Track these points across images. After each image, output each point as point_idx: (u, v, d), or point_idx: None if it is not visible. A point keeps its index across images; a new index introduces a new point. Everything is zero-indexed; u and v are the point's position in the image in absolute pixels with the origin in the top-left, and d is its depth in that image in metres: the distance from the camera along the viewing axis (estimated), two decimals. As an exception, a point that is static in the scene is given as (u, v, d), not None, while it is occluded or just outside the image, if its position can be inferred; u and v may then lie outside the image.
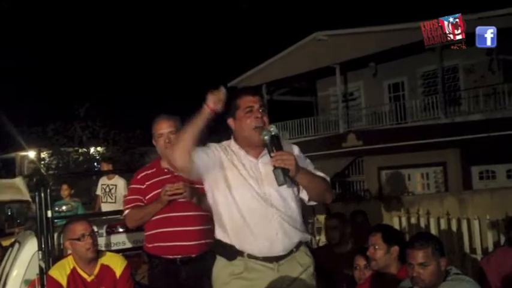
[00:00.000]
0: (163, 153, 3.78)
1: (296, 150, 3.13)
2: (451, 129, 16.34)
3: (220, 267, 3.05)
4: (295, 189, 3.06)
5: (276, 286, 2.94)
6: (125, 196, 8.79)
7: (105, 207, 8.00)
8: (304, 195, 3.07)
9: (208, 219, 3.51)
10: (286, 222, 2.97)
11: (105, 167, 9.10)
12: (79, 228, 3.78)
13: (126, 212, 3.82)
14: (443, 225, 6.92)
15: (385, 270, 3.64)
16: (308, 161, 3.16)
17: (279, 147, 2.88)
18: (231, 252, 3.00)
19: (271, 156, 2.85)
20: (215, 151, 3.04)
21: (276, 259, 2.96)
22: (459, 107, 17.66)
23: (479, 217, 6.65)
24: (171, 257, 3.62)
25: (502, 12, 14.76)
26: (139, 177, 3.86)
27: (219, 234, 3.08)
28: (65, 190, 8.19)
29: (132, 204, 3.78)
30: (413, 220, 7.29)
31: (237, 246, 2.98)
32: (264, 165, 3.00)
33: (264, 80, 22.30)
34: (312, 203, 3.12)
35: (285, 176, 2.81)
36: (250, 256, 2.96)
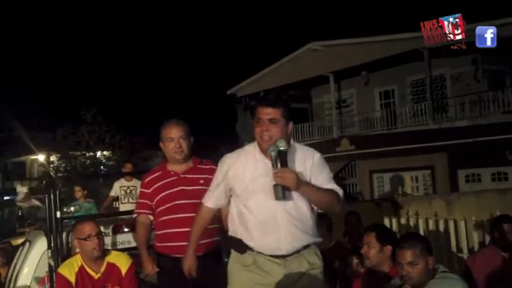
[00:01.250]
0: (172, 157, 3.77)
1: (316, 158, 3.08)
2: (438, 135, 16.36)
3: (233, 259, 3.11)
4: None
5: (282, 281, 2.95)
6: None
7: (126, 208, 7.81)
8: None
9: (214, 219, 3.53)
10: (295, 226, 2.96)
11: (128, 168, 9.02)
12: (87, 228, 3.82)
13: (136, 216, 3.87)
14: (431, 225, 6.91)
15: (378, 268, 3.63)
16: (327, 169, 3.10)
17: (284, 163, 2.86)
18: (242, 247, 3.03)
19: (274, 172, 2.84)
20: (224, 173, 3.10)
21: (284, 256, 2.97)
22: (446, 113, 17.69)
23: (465, 218, 6.64)
24: (178, 256, 3.61)
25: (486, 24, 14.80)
26: (146, 181, 3.86)
27: (232, 229, 3.12)
28: (78, 191, 8.15)
29: (142, 211, 3.82)
30: (403, 221, 7.27)
31: (247, 243, 3.01)
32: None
33: (261, 88, 22.32)
34: (320, 210, 3.12)
35: (284, 192, 2.82)
36: (259, 252, 2.98)
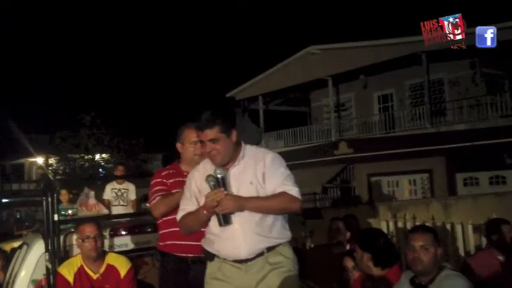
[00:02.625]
0: (190, 158, 3.76)
1: (268, 160, 3.07)
2: (436, 138, 16.38)
3: (206, 269, 3.19)
4: None
5: (243, 285, 3.01)
6: (135, 200, 8.68)
7: (117, 211, 7.92)
8: None
9: None
10: (253, 232, 3.00)
11: (120, 171, 9.01)
12: (86, 230, 3.90)
13: (156, 199, 3.74)
14: (432, 227, 6.92)
15: (369, 273, 3.66)
16: (282, 169, 3.08)
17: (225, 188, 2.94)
18: (210, 255, 3.14)
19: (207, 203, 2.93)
20: (191, 186, 3.18)
21: (245, 261, 3.02)
22: (444, 117, 17.74)
23: (462, 222, 6.65)
24: (182, 255, 3.64)
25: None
26: (163, 174, 3.84)
27: (203, 240, 3.23)
28: (63, 195, 8.07)
29: (160, 193, 3.73)
30: (400, 224, 7.28)
31: (213, 252, 3.11)
32: (232, 176, 3.05)
33: (260, 91, 22.39)
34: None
35: (225, 219, 2.94)
36: (224, 259, 3.07)
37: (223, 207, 2.89)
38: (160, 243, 3.80)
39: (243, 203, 2.93)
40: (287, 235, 3.14)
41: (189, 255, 3.63)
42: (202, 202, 3.02)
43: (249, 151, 3.13)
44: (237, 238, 2.99)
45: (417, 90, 19.10)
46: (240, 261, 3.01)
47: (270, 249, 3.04)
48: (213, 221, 3.05)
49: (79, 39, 57.24)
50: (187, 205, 3.16)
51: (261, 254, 3.01)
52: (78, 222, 4.23)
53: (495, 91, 16.84)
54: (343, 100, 21.92)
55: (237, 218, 2.99)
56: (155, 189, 3.79)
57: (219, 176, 2.93)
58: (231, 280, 3.03)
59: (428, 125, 17.31)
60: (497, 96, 16.47)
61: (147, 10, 59.69)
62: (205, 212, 2.95)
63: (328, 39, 20.56)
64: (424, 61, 17.05)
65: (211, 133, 3.00)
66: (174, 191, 3.70)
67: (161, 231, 3.81)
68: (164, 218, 3.74)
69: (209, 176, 2.95)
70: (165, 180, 3.79)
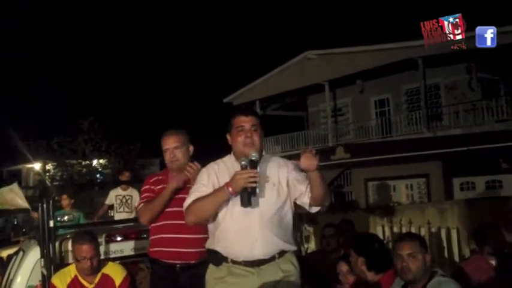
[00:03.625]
0: (169, 166, 3.81)
1: (290, 164, 3.14)
2: (433, 143, 16.40)
3: (209, 272, 3.13)
4: (287, 201, 3.10)
5: None
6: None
7: (121, 217, 7.83)
8: (306, 199, 3.07)
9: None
10: (268, 229, 2.99)
11: (126, 177, 8.97)
12: (83, 249, 3.82)
13: (140, 206, 3.79)
14: (424, 233, 6.95)
15: (363, 277, 3.68)
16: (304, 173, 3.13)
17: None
18: (217, 259, 3.07)
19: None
20: (211, 175, 3.13)
21: (257, 264, 2.98)
22: (441, 122, 17.77)
23: (457, 226, 6.69)
24: (170, 261, 3.63)
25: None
26: (152, 180, 3.87)
27: (209, 242, 3.17)
28: (64, 200, 8.07)
29: (145, 200, 3.77)
30: (396, 229, 7.32)
31: (222, 252, 3.05)
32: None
33: (257, 96, 22.41)
34: (314, 209, 3.12)
35: (249, 198, 2.88)
36: (233, 262, 3.01)
37: (309, 155, 2.86)
38: (150, 250, 3.81)
39: (316, 168, 2.91)
40: (295, 244, 3.17)
41: (177, 262, 3.63)
42: None
43: (271, 158, 3.21)
44: (254, 233, 2.97)
45: (413, 95, 19.15)
46: (253, 264, 2.98)
47: (281, 254, 3.03)
48: (226, 214, 3.02)
49: (77, 43, 57.31)
50: (202, 191, 3.07)
51: (272, 259, 3.01)
52: (74, 228, 4.24)
53: (491, 96, 16.89)
54: (340, 105, 21.95)
55: (257, 213, 2.97)
56: (142, 196, 3.84)
57: (253, 158, 2.93)
58: (242, 286, 2.98)
59: (425, 130, 17.35)
60: (493, 101, 16.51)
61: (144, 16, 59.75)
62: (230, 189, 2.88)
63: (325, 44, 20.63)
64: (420, 66, 17.10)
65: (254, 120, 3.11)
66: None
67: (151, 237, 3.81)
68: (154, 224, 3.75)
69: (243, 157, 2.96)
70: (152, 187, 3.81)
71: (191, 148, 3.86)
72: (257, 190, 2.92)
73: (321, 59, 20.04)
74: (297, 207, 3.18)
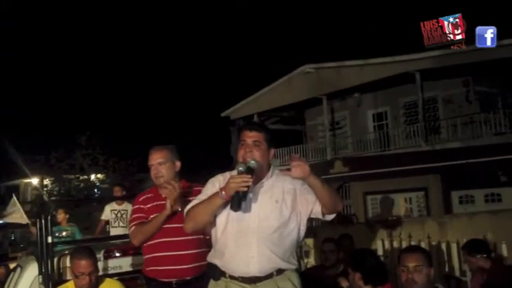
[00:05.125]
0: (155, 182, 3.80)
1: (299, 182, 3.06)
2: (431, 156, 16.43)
3: (209, 287, 3.12)
4: (293, 218, 3.07)
5: None
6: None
7: (116, 232, 7.81)
8: (317, 208, 3.05)
9: (202, 242, 3.57)
10: (266, 247, 2.97)
11: (117, 192, 8.96)
12: (82, 265, 3.78)
13: (132, 228, 3.77)
14: (424, 247, 6.91)
15: None
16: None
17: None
18: (216, 273, 3.06)
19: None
20: (216, 186, 3.10)
21: (254, 280, 2.97)
22: (439, 135, 17.81)
23: (458, 240, 6.65)
24: (166, 280, 3.61)
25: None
26: (141, 199, 3.86)
27: (210, 255, 3.16)
28: (60, 214, 8.03)
29: (137, 222, 3.74)
30: (395, 243, 7.27)
31: (221, 267, 3.04)
32: (253, 192, 3.01)
33: (255, 110, 22.46)
34: (329, 217, 3.10)
35: (240, 203, 2.85)
36: (231, 277, 3.00)
37: (297, 162, 2.86)
38: (145, 268, 3.79)
39: (310, 173, 2.89)
40: (295, 263, 3.14)
41: (173, 279, 3.62)
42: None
43: (278, 173, 3.16)
44: (251, 249, 2.95)
45: (411, 108, 19.21)
46: (249, 281, 2.97)
47: (279, 272, 3.01)
48: (226, 228, 3.01)
49: (74, 57, 57.46)
50: (201, 199, 3.09)
51: (270, 276, 2.98)
52: (73, 244, 4.21)
53: (489, 109, 16.95)
54: (338, 118, 22.00)
55: (255, 230, 2.97)
56: (132, 217, 3.81)
57: (251, 165, 2.93)
58: None
59: (423, 143, 17.38)
60: (491, 114, 16.57)
61: (142, 27, 60.03)
62: (223, 193, 2.87)
63: (322, 58, 20.73)
64: (417, 79, 17.17)
65: (256, 135, 3.08)
66: (152, 216, 3.69)
67: (145, 256, 3.79)
68: (149, 243, 3.72)
69: (241, 162, 2.97)
70: (142, 206, 3.79)
71: (178, 164, 3.83)
72: (250, 195, 2.92)
73: (318, 72, 20.14)
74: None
